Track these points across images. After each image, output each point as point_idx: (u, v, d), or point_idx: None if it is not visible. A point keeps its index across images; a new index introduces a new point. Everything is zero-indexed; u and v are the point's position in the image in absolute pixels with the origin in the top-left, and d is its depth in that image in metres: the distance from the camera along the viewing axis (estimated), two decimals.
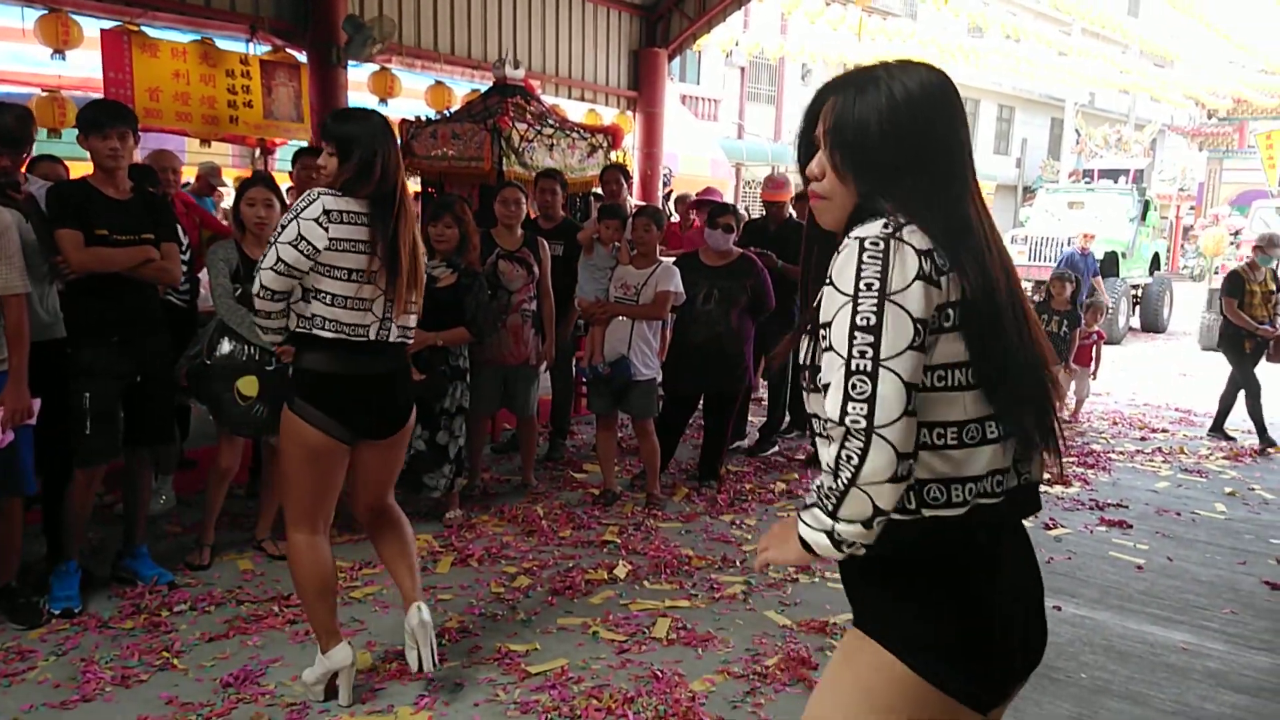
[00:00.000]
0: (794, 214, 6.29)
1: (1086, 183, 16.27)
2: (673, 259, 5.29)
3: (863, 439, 1.26)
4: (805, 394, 1.47)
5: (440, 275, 4.39)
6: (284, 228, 2.67)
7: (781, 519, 1.38)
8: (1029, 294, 11.64)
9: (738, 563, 4.26)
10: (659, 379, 5.06)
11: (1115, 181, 15.90)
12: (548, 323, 5.08)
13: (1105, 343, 8.08)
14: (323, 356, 2.78)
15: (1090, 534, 4.91)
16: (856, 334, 1.27)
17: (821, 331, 1.32)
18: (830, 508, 1.30)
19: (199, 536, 4.05)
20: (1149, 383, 10.01)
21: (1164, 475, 6.17)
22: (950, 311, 1.34)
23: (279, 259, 2.66)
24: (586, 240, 5.57)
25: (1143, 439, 7.27)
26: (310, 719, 2.87)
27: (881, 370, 1.26)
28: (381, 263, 2.76)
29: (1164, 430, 7.60)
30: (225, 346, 3.83)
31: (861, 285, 1.28)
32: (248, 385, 3.80)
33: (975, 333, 1.34)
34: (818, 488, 1.34)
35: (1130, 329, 14.23)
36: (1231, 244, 14.37)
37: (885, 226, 1.31)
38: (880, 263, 1.28)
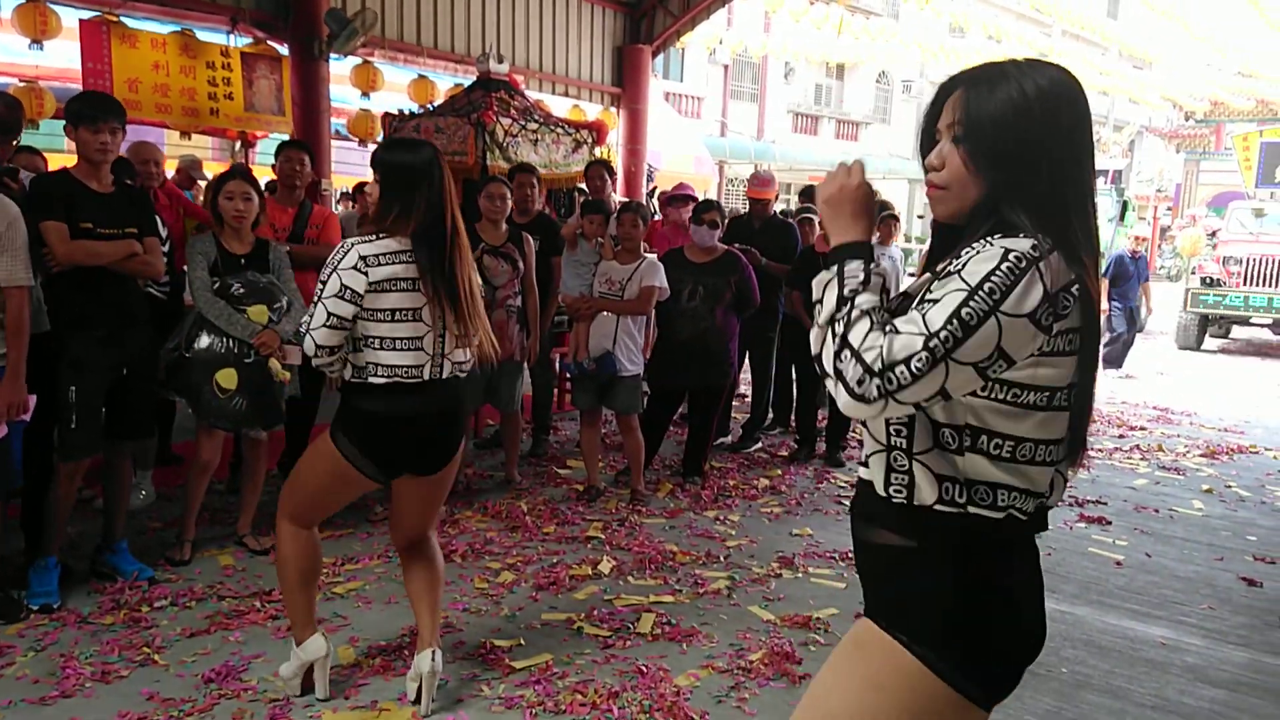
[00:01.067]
0: (777, 211, 6.29)
1: None
2: (656, 254, 5.29)
3: (893, 383, 1.26)
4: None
5: None
6: (324, 283, 2.64)
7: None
8: None
9: (721, 558, 4.26)
10: (644, 375, 5.06)
11: None
12: (532, 318, 5.07)
13: None
14: (374, 400, 2.72)
15: (1070, 530, 4.95)
16: (954, 321, 1.27)
17: (925, 296, 1.32)
18: (839, 346, 1.30)
19: (179, 531, 4.02)
20: (1127, 381, 10.10)
21: (1142, 472, 6.23)
22: (1074, 337, 1.36)
23: (329, 314, 2.62)
24: (570, 236, 5.56)
25: (1121, 436, 7.34)
26: (293, 714, 2.85)
27: (949, 364, 1.27)
28: (432, 297, 2.71)
29: (1142, 428, 7.67)
30: (204, 339, 3.79)
31: (985, 287, 1.28)
32: (226, 378, 3.77)
33: (1083, 362, 1.38)
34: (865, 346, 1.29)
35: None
36: (1208, 245, 14.50)
37: (1034, 249, 1.31)
38: (1012, 278, 1.28)
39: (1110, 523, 5.08)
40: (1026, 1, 13.93)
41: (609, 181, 6.44)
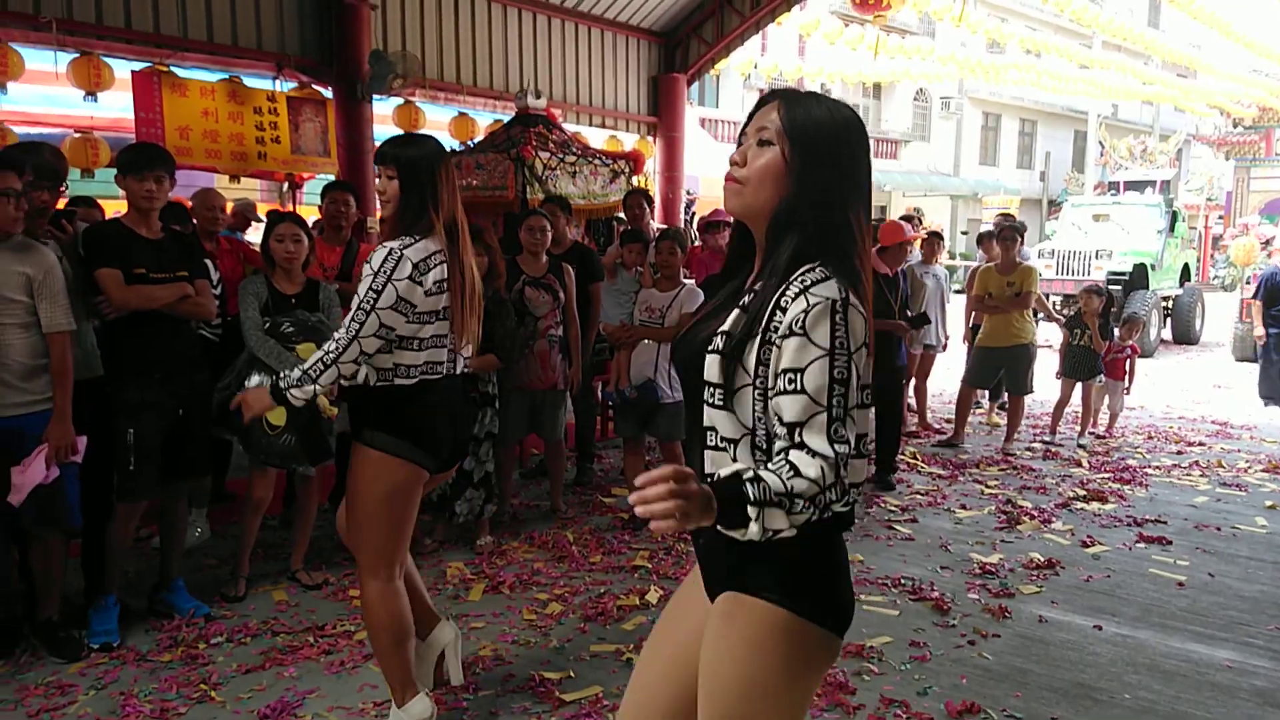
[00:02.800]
0: None
1: (1112, 195, 16.16)
2: (695, 280, 5.30)
3: (835, 472, 1.43)
4: (709, 407, 1.56)
5: None
6: (377, 292, 2.58)
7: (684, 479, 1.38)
8: (1057, 308, 11.52)
9: None
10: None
11: (1141, 193, 15.78)
12: (574, 347, 5.10)
13: (1138, 356, 7.98)
14: (410, 398, 2.72)
15: (1129, 551, 4.83)
16: (836, 386, 1.45)
17: (789, 375, 1.47)
18: (797, 510, 1.41)
19: (234, 568, 4.09)
20: (1183, 395, 9.87)
21: (1202, 489, 6.06)
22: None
23: (380, 324, 2.60)
24: (610, 265, 5.60)
25: (1179, 453, 7.16)
26: None
27: (852, 416, 1.48)
28: (457, 294, 2.73)
29: (1200, 444, 7.48)
30: (255, 379, 3.83)
31: (836, 344, 1.46)
32: (276, 416, 3.84)
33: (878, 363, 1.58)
34: (771, 489, 1.39)
35: (1162, 341, 14.06)
36: (1263, 253, 14.17)
37: (840, 291, 1.49)
38: (845, 325, 1.47)
39: (1171, 542, 4.95)
40: (1066, 14, 13.78)
41: (647, 210, 6.48)
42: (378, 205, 7.95)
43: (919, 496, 5.75)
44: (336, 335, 2.63)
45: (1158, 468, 6.62)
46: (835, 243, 1.55)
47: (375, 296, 2.59)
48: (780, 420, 1.48)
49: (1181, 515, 5.46)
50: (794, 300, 1.49)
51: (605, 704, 3.14)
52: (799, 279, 1.51)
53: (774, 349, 1.50)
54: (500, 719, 3.05)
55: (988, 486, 6.01)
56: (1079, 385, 7.42)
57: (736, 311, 1.56)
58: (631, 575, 4.34)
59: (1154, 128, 30.52)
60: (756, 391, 1.52)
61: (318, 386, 2.63)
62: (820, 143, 1.56)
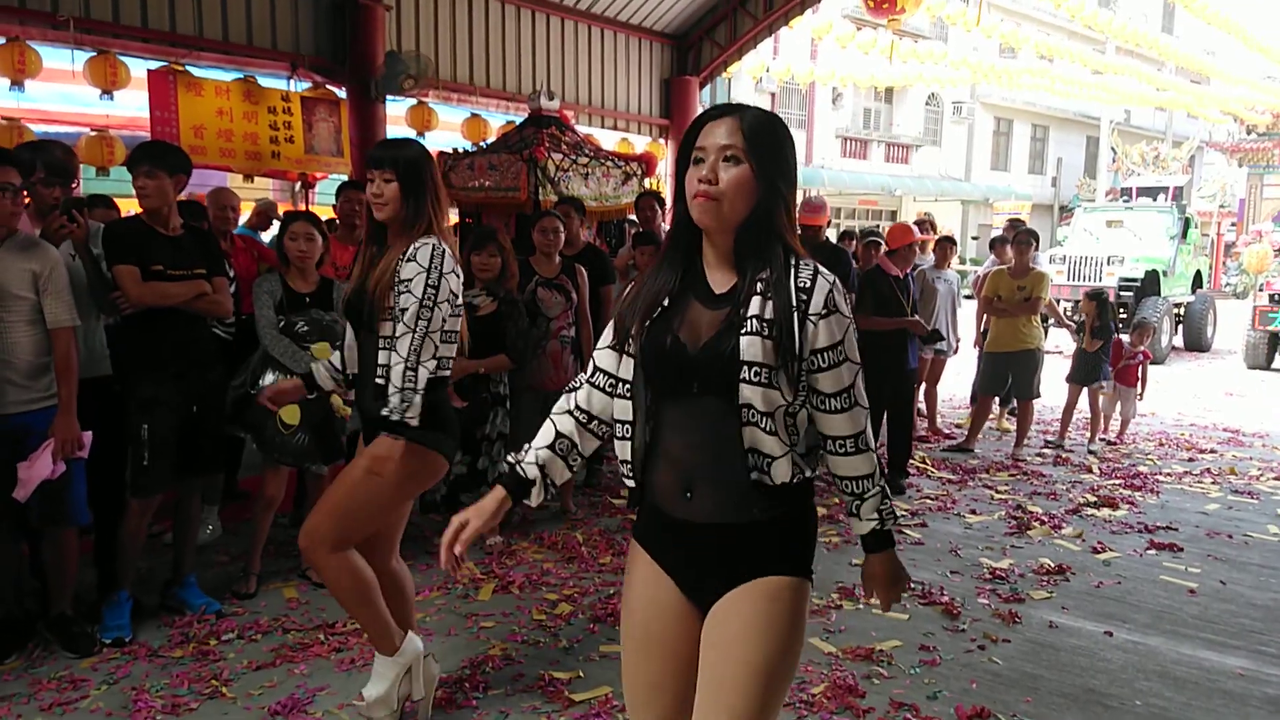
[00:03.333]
0: (829, 237, 6.28)
1: (1125, 201, 16.11)
2: None
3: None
4: (748, 385, 1.67)
5: (481, 303, 4.44)
6: (435, 288, 2.64)
7: (882, 563, 1.89)
8: (1068, 314, 11.49)
9: None
10: None
11: (1154, 199, 15.73)
12: (586, 348, 5.11)
13: (1150, 362, 7.95)
14: (439, 387, 2.79)
15: (1140, 558, 4.81)
16: (858, 351, 1.75)
17: (835, 349, 1.71)
18: (883, 489, 1.84)
19: (246, 565, 4.10)
20: (1195, 402, 9.83)
21: (1214, 497, 6.04)
22: None
23: (443, 319, 2.69)
24: (622, 267, 5.60)
25: (1190, 460, 7.13)
26: None
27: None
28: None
29: (1212, 451, 7.45)
30: (269, 377, 3.90)
31: (849, 314, 1.75)
32: (290, 414, 3.86)
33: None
34: (869, 488, 1.82)
35: (1173, 348, 14.01)
36: (1276, 260, 14.10)
37: (829, 273, 1.75)
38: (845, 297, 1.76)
39: (1182, 549, 4.93)
40: (1079, 19, 13.74)
41: (659, 212, 6.48)
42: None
43: (929, 501, 5.74)
44: (401, 335, 2.63)
45: (1169, 474, 6.60)
46: (790, 244, 1.75)
47: (435, 293, 2.65)
48: (822, 390, 1.72)
49: (1193, 522, 5.44)
50: (814, 283, 1.71)
51: (615, 704, 3.14)
52: (802, 268, 1.73)
53: (812, 326, 1.69)
54: (510, 719, 3.06)
55: (998, 492, 5.99)
56: (1085, 391, 7.39)
57: (758, 299, 1.69)
58: None
59: (1167, 134, 30.40)
60: (799, 365, 1.69)
61: (419, 396, 2.63)
62: (775, 152, 1.72)
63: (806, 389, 1.72)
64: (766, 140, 1.71)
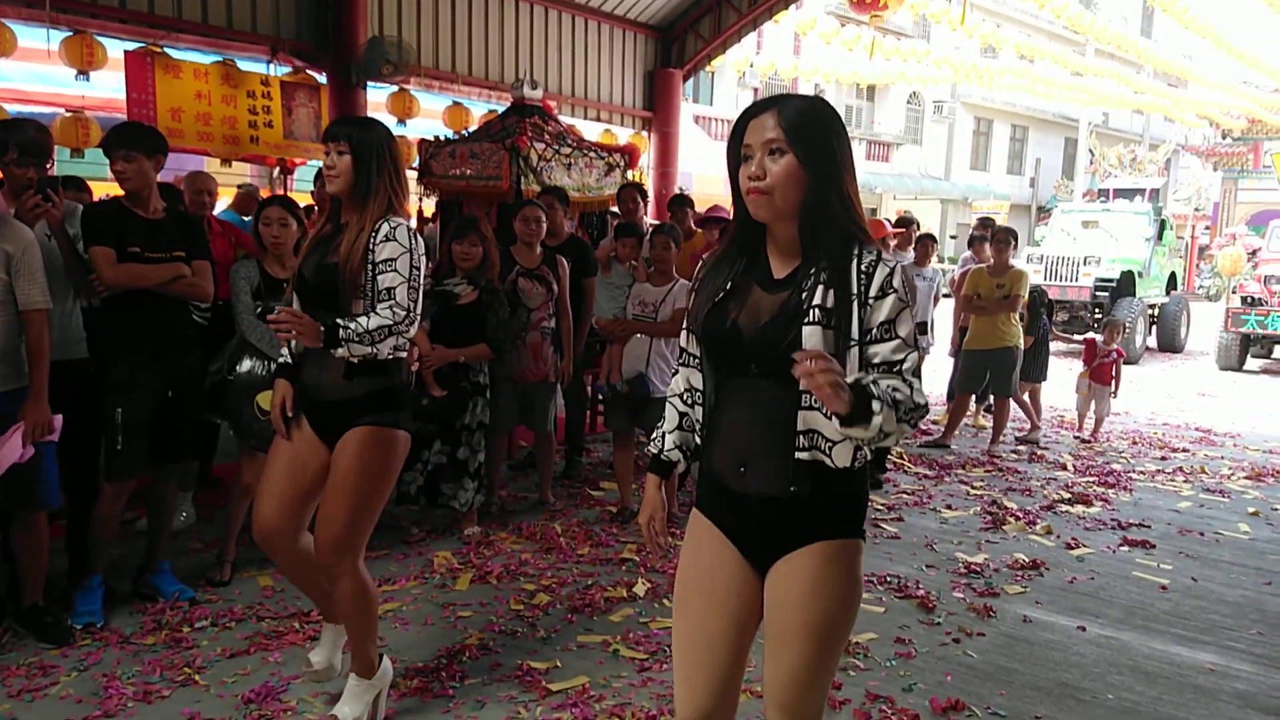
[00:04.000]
0: None
1: (1102, 202, 16.23)
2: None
3: (923, 396, 1.77)
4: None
5: (462, 292, 4.42)
6: (418, 269, 2.70)
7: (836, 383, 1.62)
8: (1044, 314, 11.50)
9: None
10: None
11: (1130, 201, 15.86)
12: (566, 340, 5.09)
13: (1125, 362, 8.03)
14: (402, 368, 2.81)
15: (1113, 554, 4.86)
16: (914, 332, 1.79)
17: (886, 326, 1.76)
18: (907, 418, 1.71)
19: (220, 552, 4.06)
20: (1168, 402, 9.94)
21: (1186, 495, 6.11)
22: None
23: (421, 298, 2.74)
24: (604, 258, 5.59)
25: (1163, 458, 7.21)
26: None
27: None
28: None
29: (1184, 450, 7.54)
30: (246, 363, 3.86)
31: (909, 297, 1.78)
32: (267, 400, 3.80)
33: None
34: (898, 397, 1.69)
35: (1148, 349, 14.16)
36: (1249, 264, 14.29)
37: (889, 257, 1.80)
38: (908, 281, 1.79)
39: (1154, 546, 4.99)
40: (1060, 21, 13.84)
41: (641, 205, 6.47)
42: None
43: (905, 496, 5.77)
44: (392, 307, 2.62)
45: (1142, 473, 6.67)
46: (855, 227, 1.79)
47: (418, 273, 2.69)
48: (874, 362, 1.76)
49: (1165, 520, 5.50)
50: (875, 268, 1.76)
51: (592, 694, 3.14)
52: (861, 253, 1.78)
53: (868, 309, 1.76)
54: (487, 708, 3.05)
55: (973, 488, 6.03)
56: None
57: (822, 288, 1.76)
58: (619, 567, 4.34)
59: (1144, 136, 30.73)
60: (856, 348, 1.76)
61: (367, 350, 2.62)
62: (819, 139, 1.75)
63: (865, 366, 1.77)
64: (808, 127, 1.75)
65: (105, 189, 7.91)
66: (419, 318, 2.72)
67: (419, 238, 2.74)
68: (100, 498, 3.57)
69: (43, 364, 3.20)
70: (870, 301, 1.75)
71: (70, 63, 5.93)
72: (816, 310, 1.74)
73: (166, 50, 6.41)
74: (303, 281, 2.78)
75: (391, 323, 2.63)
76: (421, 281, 2.73)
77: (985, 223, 9.46)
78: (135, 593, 3.77)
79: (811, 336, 1.73)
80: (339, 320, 2.61)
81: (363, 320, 2.62)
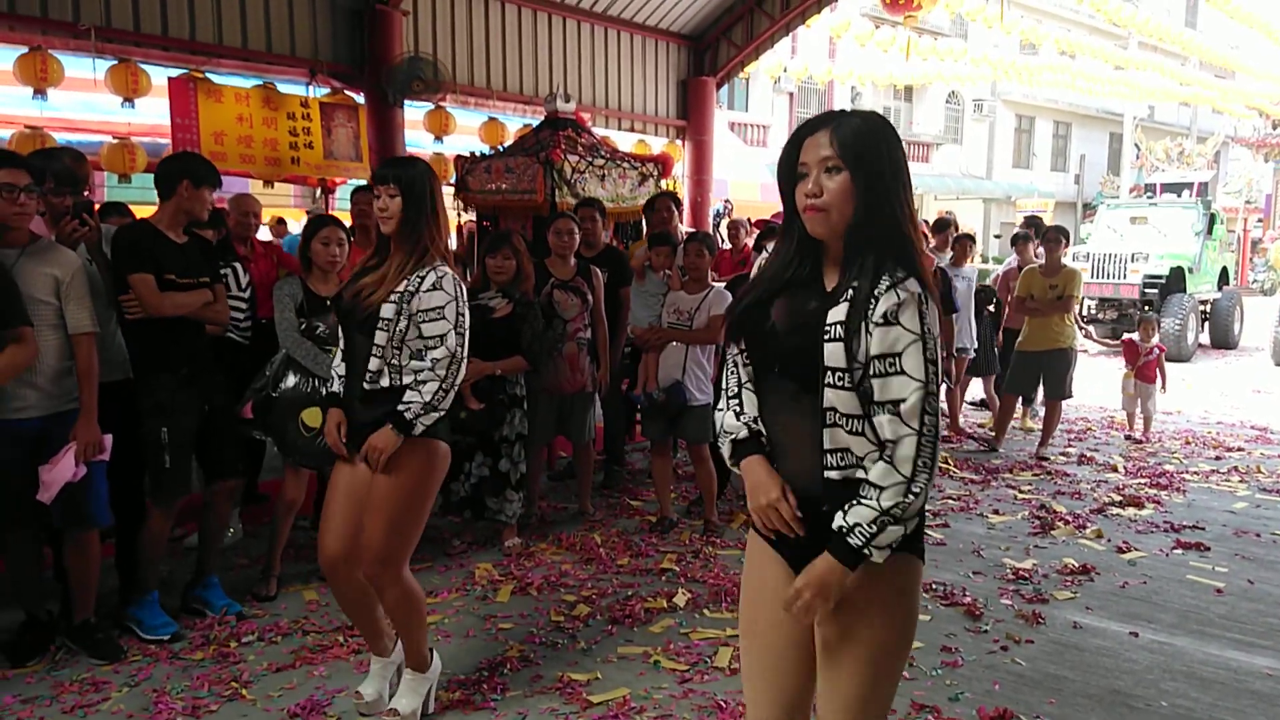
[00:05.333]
0: None
1: (1149, 198, 15.93)
2: (724, 283, 5.29)
3: (933, 444, 1.72)
4: (831, 389, 1.75)
5: (497, 305, 4.45)
6: (463, 315, 2.85)
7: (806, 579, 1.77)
8: (1092, 312, 11.41)
9: None
10: (714, 404, 5.04)
11: (1179, 196, 15.54)
12: (602, 350, 5.10)
13: (1174, 359, 7.85)
14: None
15: (1166, 557, 4.75)
16: (929, 365, 1.71)
17: (889, 359, 1.71)
18: (915, 490, 1.71)
19: (265, 568, 4.12)
20: (1221, 400, 9.69)
21: (1241, 495, 5.95)
22: None
23: (464, 338, 2.86)
24: (638, 267, 5.59)
25: (1217, 458, 7.03)
26: None
27: (937, 391, 1.74)
28: None
29: (1239, 449, 7.34)
30: (290, 380, 3.92)
31: (925, 329, 1.72)
32: (311, 417, 3.87)
33: None
34: (874, 500, 1.71)
35: (1200, 346, 13.83)
36: None
37: (919, 285, 1.74)
38: (930, 313, 1.74)
39: (1209, 549, 4.86)
40: (1101, 15, 13.62)
41: (675, 213, 6.46)
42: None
43: (951, 501, 5.69)
44: (435, 363, 2.79)
45: (1195, 473, 6.51)
46: (901, 244, 1.77)
47: (463, 319, 2.85)
48: (874, 399, 1.72)
49: (1220, 521, 5.36)
50: (885, 293, 1.73)
51: (633, 706, 3.13)
52: (885, 276, 1.74)
53: (869, 335, 1.72)
54: None
55: (1021, 491, 5.93)
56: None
57: (845, 305, 1.75)
58: (659, 578, 4.33)
59: (1191, 130, 30.07)
60: (861, 371, 1.74)
61: (439, 412, 2.81)
62: (873, 157, 1.76)
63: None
64: (863, 144, 1.75)
65: (149, 212, 8.09)
66: (465, 360, 2.84)
67: (463, 286, 2.87)
68: (150, 517, 3.64)
69: (92, 385, 3.28)
70: (871, 327, 1.71)
71: (116, 91, 6.08)
72: (836, 327, 1.73)
73: (208, 75, 6.55)
74: (343, 308, 2.93)
75: (441, 382, 2.80)
76: (467, 327, 2.86)
77: (1030, 222, 9.32)
78: (184, 607, 3.84)
79: (832, 352, 1.73)
80: (399, 409, 2.77)
81: (421, 393, 2.77)
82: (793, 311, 1.83)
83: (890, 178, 1.77)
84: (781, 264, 1.88)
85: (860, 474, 1.75)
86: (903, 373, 1.70)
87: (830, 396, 1.74)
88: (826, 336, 1.74)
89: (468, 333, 2.88)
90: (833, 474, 1.76)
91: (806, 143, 1.79)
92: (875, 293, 1.73)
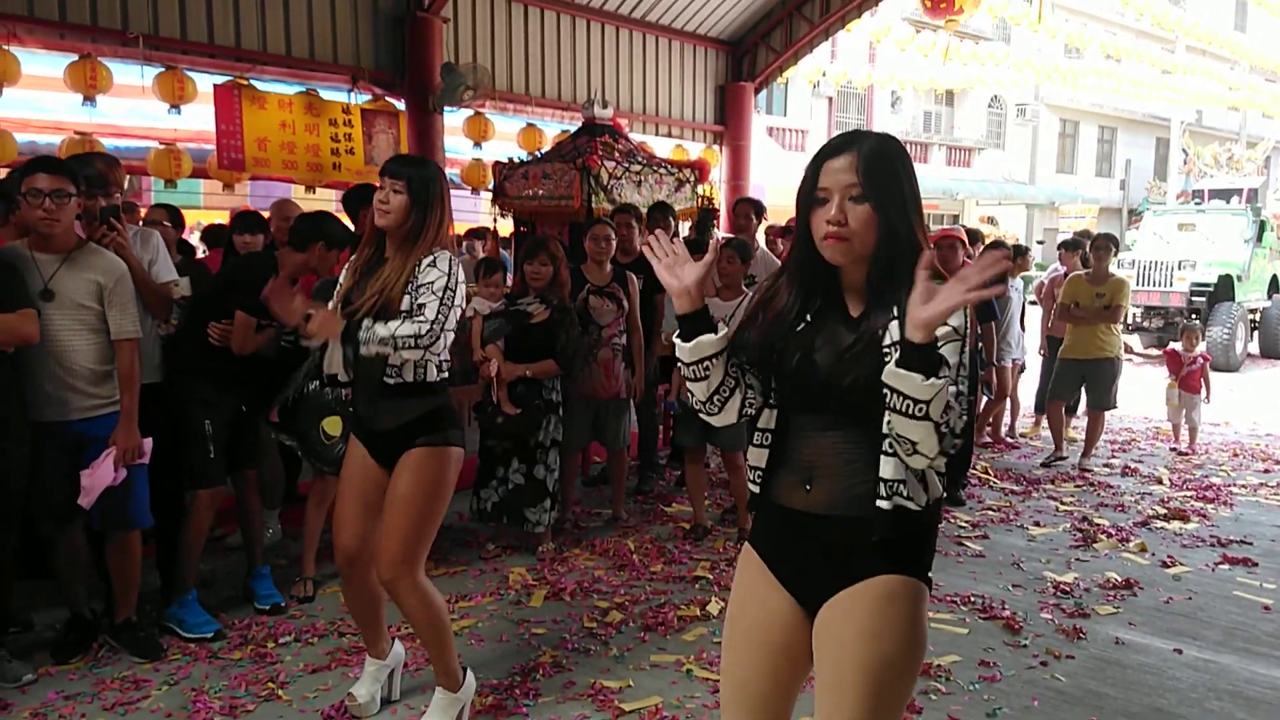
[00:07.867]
0: None
1: (1196, 204, 15.59)
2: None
3: (961, 432, 1.68)
4: (890, 413, 1.68)
5: (534, 310, 4.46)
6: (454, 291, 2.79)
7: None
8: (1138, 321, 11.20)
9: None
10: None
11: (1227, 202, 15.20)
12: (637, 356, 5.10)
13: (1222, 369, 7.68)
14: (443, 395, 2.96)
15: (1212, 572, 4.64)
16: (961, 369, 1.74)
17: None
18: (946, 444, 1.64)
19: (300, 569, 4.17)
20: (1271, 411, 9.46)
21: None
22: None
23: (454, 321, 2.82)
24: None
25: (1266, 471, 6.86)
26: None
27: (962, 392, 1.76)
28: None
29: None
30: (314, 386, 3.96)
31: (963, 323, 1.73)
32: (332, 425, 3.92)
33: None
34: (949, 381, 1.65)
35: (1249, 355, 13.53)
36: None
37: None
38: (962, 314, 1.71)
39: (1257, 564, 4.74)
40: (1148, 18, 13.38)
41: (754, 220, 6.51)
42: None
43: (991, 513, 5.61)
44: (420, 322, 2.72)
45: (1243, 486, 6.36)
46: (918, 256, 1.70)
47: (452, 295, 2.78)
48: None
49: (1269, 536, 5.23)
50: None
51: (665, 715, 3.12)
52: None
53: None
54: None
55: (1063, 503, 5.83)
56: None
57: (895, 323, 1.72)
58: (692, 585, 4.32)
59: (1241, 134, 29.40)
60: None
61: (387, 350, 2.75)
62: (893, 184, 1.74)
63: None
64: (884, 172, 1.73)
65: (199, 218, 8.23)
66: (447, 334, 2.79)
67: (458, 264, 2.86)
68: (195, 507, 3.75)
69: (133, 390, 3.34)
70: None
71: (163, 97, 6.20)
72: (897, 347, 1.69)
73: (252, 82, 6.66)
74: (349, 305, 2.90)
75: (415, 334, 2.71)
76: (455, 302, 2.80)
77: (1083, 235, 9.26)
78: (228, 604, 3.91)
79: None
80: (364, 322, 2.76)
81: (392, 325, 2.73)
82: (829, 344, 1.78)
83: (908, 201, 1.76)
84: (792, 294, 1.84)
85: (911, 506, 1.73)
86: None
87: (894, 421, 1.66)
88: (889, 358, 1.68)
89: (455, 310, 2.81)
90: (884, 503, 1.72)
91: (825, 167, 1.76)
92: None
